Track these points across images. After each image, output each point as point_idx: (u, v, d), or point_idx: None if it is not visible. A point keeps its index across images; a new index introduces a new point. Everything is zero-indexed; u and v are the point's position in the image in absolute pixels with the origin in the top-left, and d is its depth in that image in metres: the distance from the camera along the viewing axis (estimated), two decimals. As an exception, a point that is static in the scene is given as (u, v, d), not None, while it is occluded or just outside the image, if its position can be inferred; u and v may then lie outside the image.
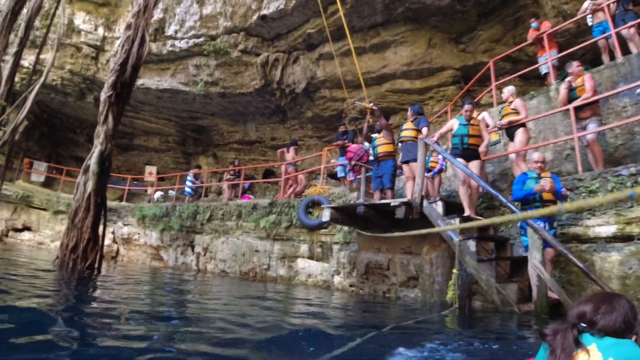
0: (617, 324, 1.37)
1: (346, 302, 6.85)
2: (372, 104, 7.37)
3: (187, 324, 3.74)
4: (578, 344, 1.36)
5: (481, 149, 6.58)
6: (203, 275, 10.83)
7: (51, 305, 3.82)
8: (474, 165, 6.32)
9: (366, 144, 9.55)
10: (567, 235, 5.71)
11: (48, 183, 19.51)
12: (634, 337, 1.37)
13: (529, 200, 5.26)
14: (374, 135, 7.93)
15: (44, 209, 16.53)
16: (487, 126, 7.55)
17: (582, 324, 1.39)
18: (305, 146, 16.66)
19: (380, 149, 7.45)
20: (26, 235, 16.57)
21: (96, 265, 7.14)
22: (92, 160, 7.22)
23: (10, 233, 16.63)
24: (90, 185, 7.10)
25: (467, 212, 6.20)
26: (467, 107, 6.66)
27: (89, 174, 7.26)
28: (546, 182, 5.08)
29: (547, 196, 5.19)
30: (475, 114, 7.07)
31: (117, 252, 14.66)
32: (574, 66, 6.72)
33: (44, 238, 16.22)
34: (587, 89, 6.33)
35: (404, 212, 5.98)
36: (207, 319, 4.06)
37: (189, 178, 15.21)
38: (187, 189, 15.10)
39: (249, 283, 9.38)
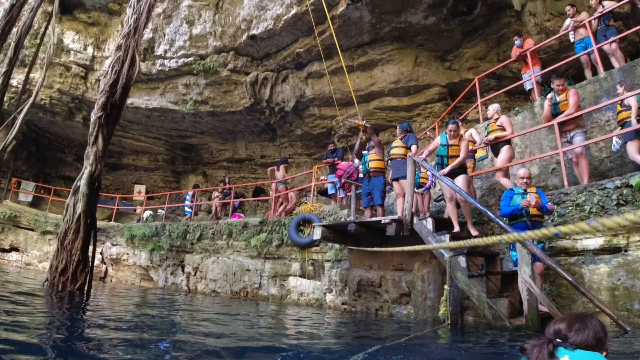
0: (588, 340, 1.52)
1: (338, 320, 6.83)
2: (364, 121, 7.47)
3: (175, 347, 3.71)
4: (552, 357, 1.52)
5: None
6: (193, 296, 10.72)
7: (41, 334, 3.77)
8: (460, 181, 6.34)
9: (356, 161, 9.62)
10: (556, 249, 5.79)
11: (36, 203, 19.28)
12: (604, 353, 1.52)
13: (516, 216, 5.34)
14: (364, 152, 8.00)
15: (32, 229, 16.28)
16: (474, 143, 7.67)
17: (557, 339, 1.56)
18: (295, 164, 16.74)
19: (372, 165, 7.51)
20: (13, 255, 16.27)
21: (86, 288, 7.06)
22: (82, 182, 7.18)
23: (-2, 254, 16.35)
24: (80, 207, 7.05)
25: (456, 229, 6.25)
26: (450, 126, 6.64)
27: (78, 195, 7.21)
28: (532, 198, 5.17)
29: (533, 211, 5.28)
30: (462, 131, 7.17)
31: (106, 272, 14.46)
32: (555, 84, 6.87)
33: (32, 259, 15.95)
34: (571, 105, 6.46)
35: (394, 229, 6.03)
36: (196, 340, 4.04)
37: (187, 198, 15.04)
38: (187, 209, 14.91)
39: (241, 303, 9.31)
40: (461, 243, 2.08)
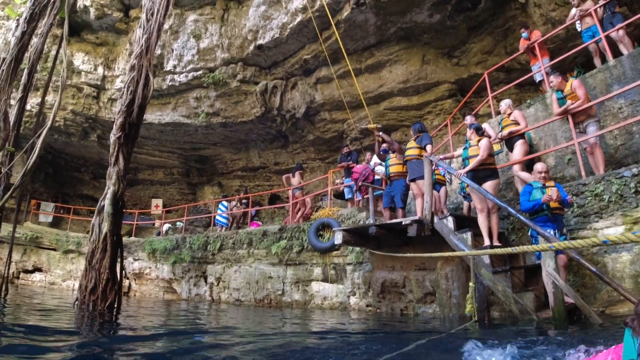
0: None
1: (364, 323, 6.91)
2: (375, 124, 7.67)
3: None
4: None
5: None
6: (218, 306, 10.87)
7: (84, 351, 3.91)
8: (488, 186, 6.11)
9: (371, 163, 9.72)
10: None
11: (56, 223, 19.66)
12: None
13: (537, 210, 5.38)
14: (387, 156, 8.16)
15: (54, 249, 16.61)
16: (489, 137, 7.68)
17: None
18: (308, 169, 16.86)
19: (392, 169, 7.68)
20: (37, 276, 16.60)
21: (115, 305, 7.22)
22: (106, 202, 7.35)
23: (22, 275, 16.66)
24: (105, 226, 7.23)
25: (486, 243, 6.04)
26: (468, 133, 6.73)
27: (103, 214, 7.39)
28: (553, 192, 5.20)
29: (554, 204, 5.31)
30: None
31: (129, 287, 14.69)
32: (552, 80, 6.94)
33: (55, 278, 16.26)
34: (581, 96, 6.46)
35: (415, 230, 6.09)
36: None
37: (221, 207, 14.98)
38: (222, 220, 14.67)
39: (265, 310, 9.43)
40: (498, 251, 2.16)
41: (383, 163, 9.23)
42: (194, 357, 3.40)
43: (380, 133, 8.04)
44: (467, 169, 6.24)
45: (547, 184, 5.43)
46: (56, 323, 5.90)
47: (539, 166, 5.61)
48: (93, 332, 4.90)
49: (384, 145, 9.00)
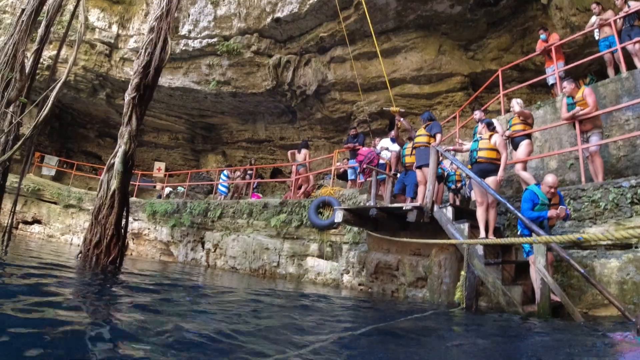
0: None
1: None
2: (399, 108, 7.92)
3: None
4: None
5: (500, 173, 6.35)
6: (213, 271, 11.13)
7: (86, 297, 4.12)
8: (490, 181, 6.26)
9: (378, 147, 9.86)
10: (569, 242, 6.01)
11: (58, 177, 19.81)
12: None
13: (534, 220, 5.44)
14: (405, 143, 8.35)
15: (55, 203, 16.81)
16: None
17: None
18: (313, 147, 16.99)
19: (408, 159, 7.82)
20: (36, 228, 16.85)
21: (118, 260, 7.46)
22: (117, 160, 7.53)
23: (20, 225, 16.91)
24: (114, 183, 7.42)
25: (482, 235, 6.21)
26: (479, 127, 6.89)
27: (112, 172, 7.57)
28: (561, 211, 5.28)
29: (553, 223, 5.49)
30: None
31: (127, 246, 14.93)
32: (566, 85, 7.02)
33: (54, 231, 16.51)
34: (590, 104, 6.57)
35: (415, 215, 6.28)
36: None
37: (222, 177, 15.20)
38: (222, 188, 14.92)
39: (259, 280, 9.68)
40: (489, 240, 2.33)
41: (389, 148, 9.39)
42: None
43: (402, 119, 8.21)
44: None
45: (553, 201, 5.45)
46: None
47: (549, 180, 5.43)
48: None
49: (392, 133, 9.16)
